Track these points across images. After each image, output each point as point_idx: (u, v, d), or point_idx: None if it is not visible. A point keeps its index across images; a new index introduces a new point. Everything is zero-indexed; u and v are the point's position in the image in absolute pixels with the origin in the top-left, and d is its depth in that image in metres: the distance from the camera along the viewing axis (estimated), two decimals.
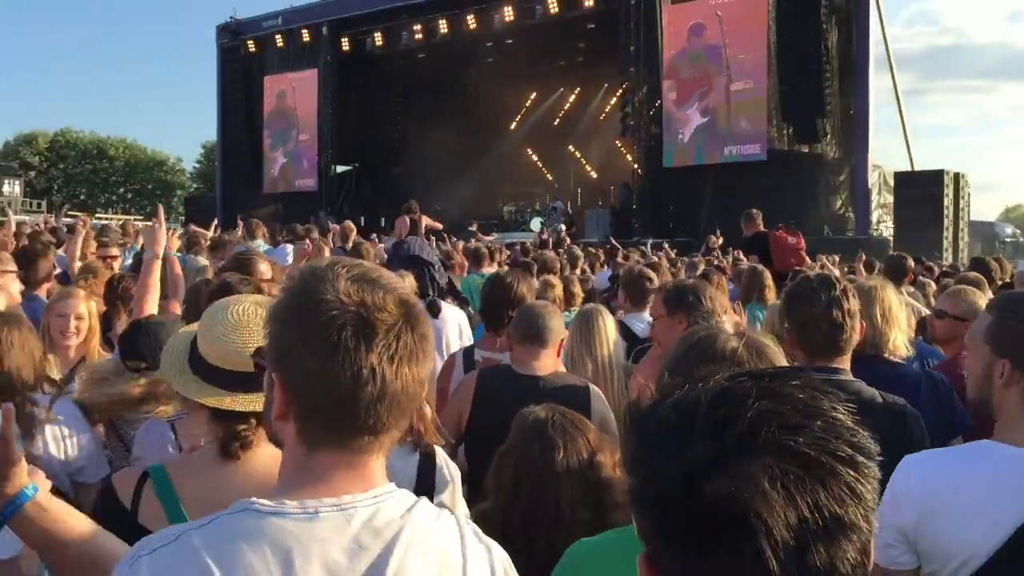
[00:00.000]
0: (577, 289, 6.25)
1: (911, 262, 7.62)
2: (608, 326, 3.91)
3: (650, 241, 13.34)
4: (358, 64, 29.02)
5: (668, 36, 21.79)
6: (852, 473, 0.78)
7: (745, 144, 20.65)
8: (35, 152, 61.03)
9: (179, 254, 5.81)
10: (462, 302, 5.70)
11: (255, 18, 31.33)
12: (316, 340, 1.15)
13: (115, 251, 7.23)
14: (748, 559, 0.75)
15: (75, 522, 1.54)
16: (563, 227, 20.26)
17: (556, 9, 23.79)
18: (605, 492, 2.20)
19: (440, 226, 10.44)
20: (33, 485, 1.52)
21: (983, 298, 4.10)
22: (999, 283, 6.67)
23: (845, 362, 2.71)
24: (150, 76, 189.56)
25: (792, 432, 0.78)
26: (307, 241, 6.79)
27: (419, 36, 26.77)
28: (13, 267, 4.65)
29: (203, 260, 7.51)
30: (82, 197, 60.42)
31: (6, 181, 41.57)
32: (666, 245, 13.36)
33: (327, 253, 5.82)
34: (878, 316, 3.20)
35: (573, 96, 32.12)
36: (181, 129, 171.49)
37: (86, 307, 3.81)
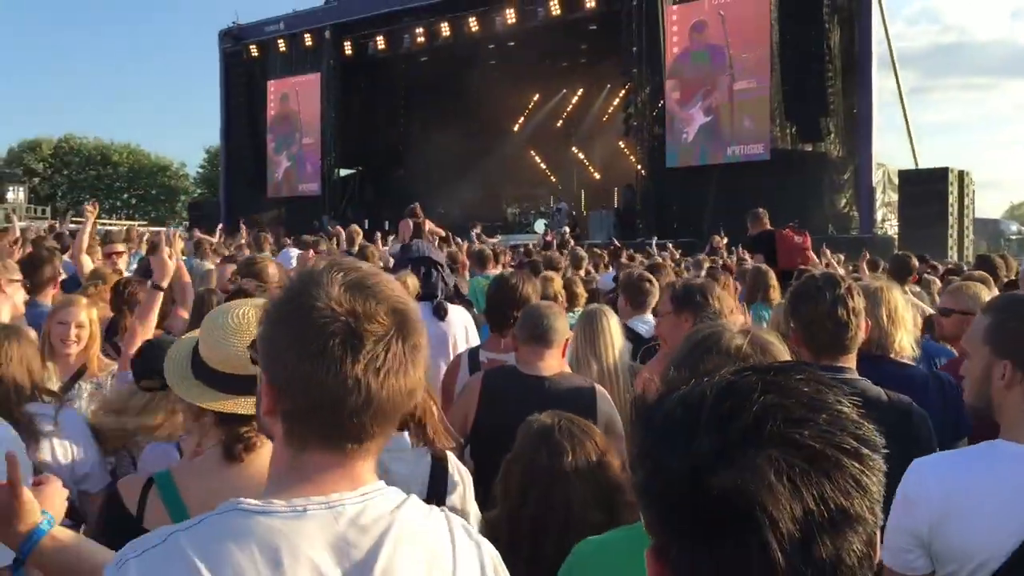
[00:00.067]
0: (580, 289, 6.24)
1: (915, 261, 7.61)
2: (613, 326, 3.91)
3: (654, 239, 13.32)
4: (361, 68, 29.09)
5: (671, 36, 21.80)
6: (857, 465, 0.78)
7: (748, 144, 20.65)
8: (39, 158, 61.22)
9: (185, 257, 5.83)
10: (466, 304, 5.70)
11: (257, 23, 31.40)
12: (304, 346, 1.15)
13: (120, 247, 7.22)
14: (754, 551, 0.75)
15: (89, 548, 1.56)
16: (567, 229, 20.26)
17: (558, 11, 23.82)
18: (616, 493, 2.20)
19: (443, 232, 10.44)
20: (48, 519, 1.55)
21: (985, 290, 4.10)
22: (1004, 280, 6.66)
23: (850, 361, 2.71)
24: (153, 81, 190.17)
25: (797, 425, 0.78)
26: (311, 251, 6.80)
27: (421, 39, 26.84)
28: (18, 275, 4.67)
29: (208, 264, 7.53)
30: (86, 203, 60.45)
31: (10, 188, 41.77)
32: (670, 245, 13.34)
33: None
34: (884, 317, 3.19)
35: (576, 97, 32.14)
36: (184, 134, 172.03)
37: (87, 315, 3.82)
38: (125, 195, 65.24)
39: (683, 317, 3.31)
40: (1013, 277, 7.05)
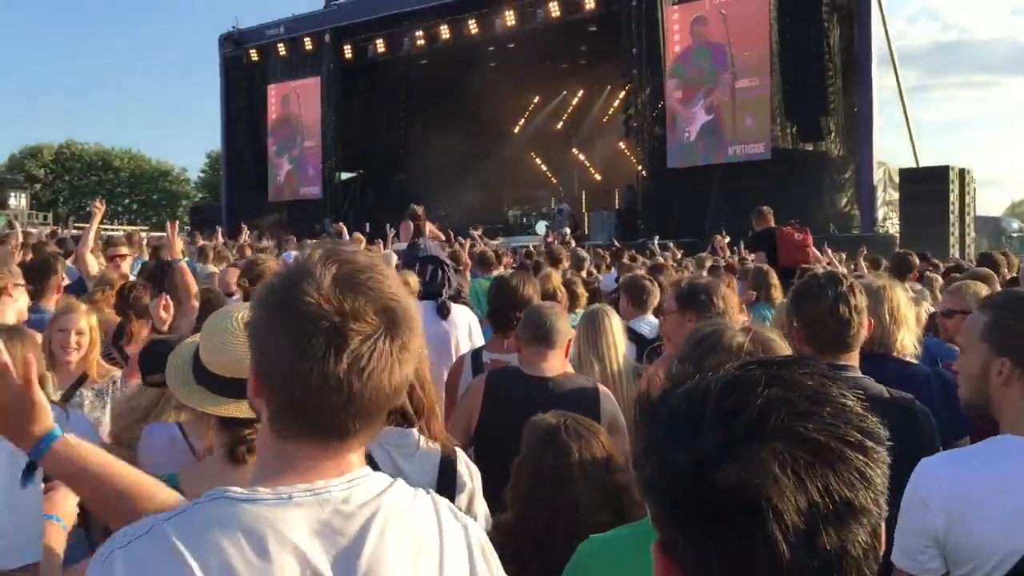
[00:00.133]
0: (581, 289, 6.25)
1: (916, 259, 7.62)
2: (615, 326, 3.92)
3: (656, 238, 13.31)
4: (361, 71, 29.13)
5: (671, 36, 21.81)
6: (861, 458, 0.79)
7: (749, 143, 20.66)
8: (40, 164, 61.27)
9: (187, 259, 5.84)
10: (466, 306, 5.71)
11: (257, 27, 31.43)
12: (288, 339, 1.15)
13: (124, 250, 7.22)
14: (759, 544, 0.76)
15: (105, 457, 1.56)
16: (567, 230, 20.26)
17: (557, 13, 23.85)
18: (623, 493, 2.20)
19: (442, 236, 10.45)
20: (60, 427, 1.55)
21: (985, 289, 4.10)
22: (1007, 278, 6.67)
23: (853, 359, 2.71)
24: (154, 86, 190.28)
25: (801, 418, 0.79)
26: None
27: (421, 42, 26.86)
28: (22, 280, 4.68)
29: (212, 268, 7.55)
30: (88, 209, 60.59)
31: (12, 194, 41.78)
32: (671, 245, 13.34)
33: None
34: (886, 315, 3.20)
35: (576, 99, 32.13)
36: (185, 139, 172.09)
37: (87, 322, 3.82)
38: (126, 200, 65.26)
39: (687, 316, 3.32)
40: (1015, 275, 7.06)
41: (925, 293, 5.45)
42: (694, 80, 21.56)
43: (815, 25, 19.82)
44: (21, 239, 8.71)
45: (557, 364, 3.36)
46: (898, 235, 19.50)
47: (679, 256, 11.73)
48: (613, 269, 10.06)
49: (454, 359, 4.41)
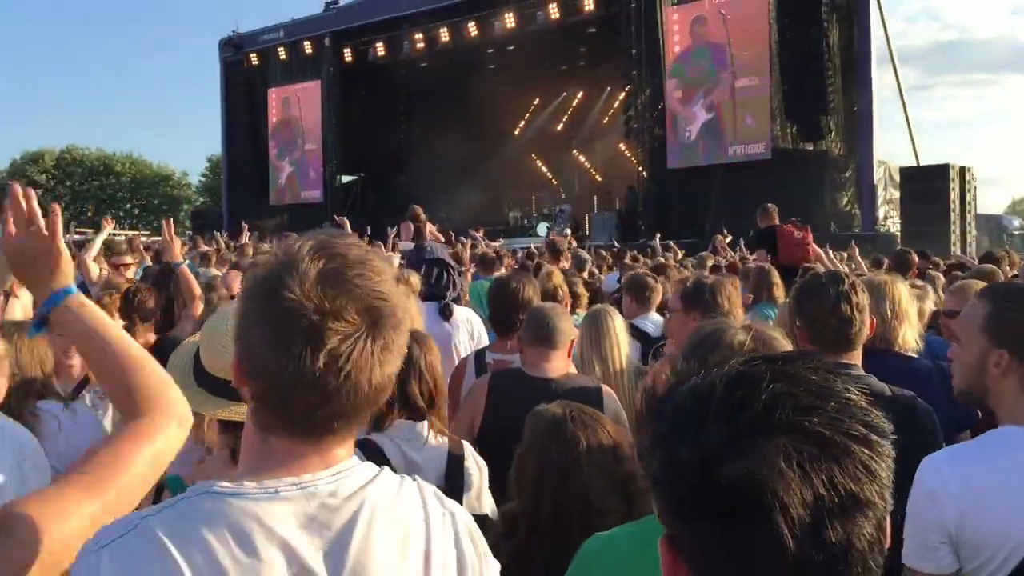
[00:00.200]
0: (581, 290, 6.25)
1: (915, 256, 7.63)
2: (618, 326, 3.92)
3: (658, 236, 13.29)
4: (361, 74, 29.14)
5: (671, 36, 21.82)
6: (866, 451, 0.79)
7: (749, 143, 20.66)
8: (42, 170, 61.30)
9: (188, 262, 5.86)
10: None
11: (257, 31, 31.48)
12: (268, 332, 1.14)
13: (128, 259, 7.24)
14: (764, 538, 0.76)
15: (108, 322, 1.58)
16: (568, 231, 20.25)
17: (557, 14, 23.87)
18: (631, 481, 2.20)
19: (442, 238, 10.45)
20: (75, 286, 1.57)
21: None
22: (1008, 276, 6.67)
23: (855, 357, 2.72)
24: (154, 91, 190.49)
25: (806, 413, 0.79)
26: None
27: (421, 45, 26.88)
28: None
29: (214, 271, 7.56)
30: (89, 214, 60.66)
31: None
32: (672, 244, 13.33)
33: None
34: (888, 311, 3.21)
35: (576, 100, 32.17)
36: (186, 143, 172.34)
37: None
38: (128, 205, 65.33)
39: (691, 315, 3.33)
40: (1016, 272, 7.05)
41: (928, 289, 5.45)
42: (694, 80, 21.56)
43: (814, 25, 19.83)
44: None
45: (560, 365, 3.36)
46: (899, 234, 19.48)
47: (680, 256, 11.72)
48: (615, 269, 10.06)
49: (455, 361, 4.42)
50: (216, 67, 32.63)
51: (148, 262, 8.52)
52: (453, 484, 2.53)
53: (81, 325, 1.54)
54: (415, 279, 4.75)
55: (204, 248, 11.09)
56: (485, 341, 4.73)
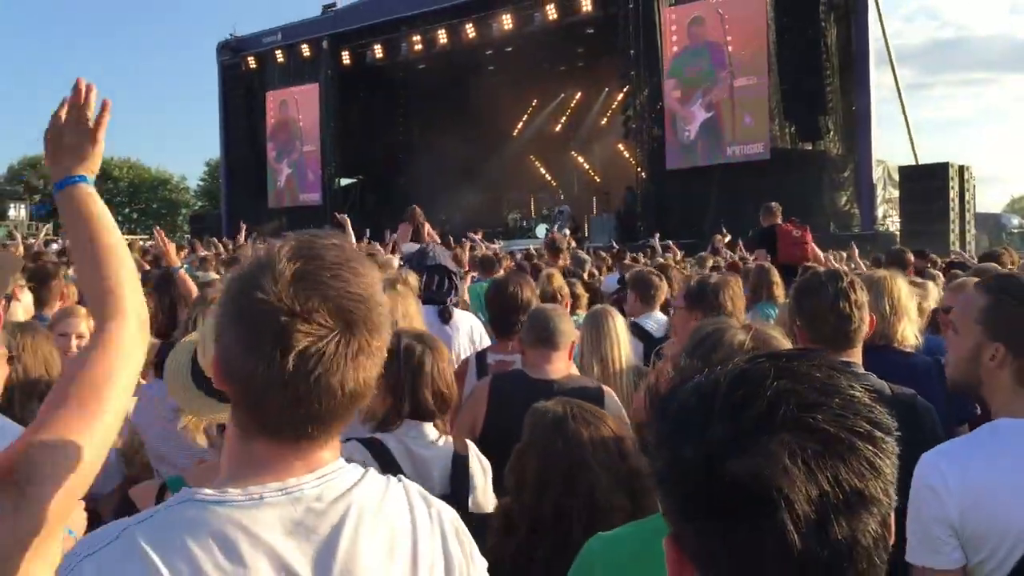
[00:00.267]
0: (580, 290, 6.25)
1: (911, 255, 7.63)
2: (618, 326, 3.92)
3: (657, 236, 13.29)
4: (359, 77, 29.16)
5: (669, 36, 21.84)
6: (871, 448, 0.79)
7: (748, 143, 20.68)
8: (40, 176, 61.24)
9: (186, 266, 5.87)
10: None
11: (255, 34, 31.50)
12: (241, 333, 1.13)
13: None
14: (769, 534, 0.76)
15: (107, 213, 1.61)
16: (567, 231, 20.24)
17: (554, 15, 23.89)
18: (636, 477, 2.20)
19: (438, 240, 10.45)
20: (92, 179, 1.62)
21: None
22: None
23: (855, 355, 2.72)
24: (152, 95, 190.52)
25: (810, 410, 0.79)
26: None
27: (419, 47, 26.90)
28: (23, 281, 4.69)
29: (213, 275, 7.56)
30: None
31: (12, 205, 41.82)
32: (671, 244, 13.34)
33: None
34: (887, 308, 3.22)
35: (574, 101, 32.19)
36: (184, 147, 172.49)
37: (87, 325, 3.81)
38: (126, 210, 65.27)
39: (694, 313, 3.33)
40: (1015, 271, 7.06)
41: (928, 286, 5.44)
42: (692, 79, 21.58)
43: (812, 25, 19.87)
44: (22, 250, 8.72)
45: (561, 366, 3.36)
46: (898, 233, 19.51)
47: (680, 257, 11.73)
48: (615, 270, 10.06)
49: (455, 363, 4.42)
50: (214, 71, 32.65)
51: (146, 267, 8.52)
52: (458, 484, 2.54)
53: (77, 213, 1.58)
54: (413, 279, 4.75)
55: (203, 252, 11.11)
56: (486, 344, 4.72)
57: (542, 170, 33.64)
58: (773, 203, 9.25)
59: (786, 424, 0.78)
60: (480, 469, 2.62)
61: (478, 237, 13.28)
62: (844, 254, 10.44)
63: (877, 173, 20.30)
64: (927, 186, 19.20)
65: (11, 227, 29.65)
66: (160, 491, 1.94)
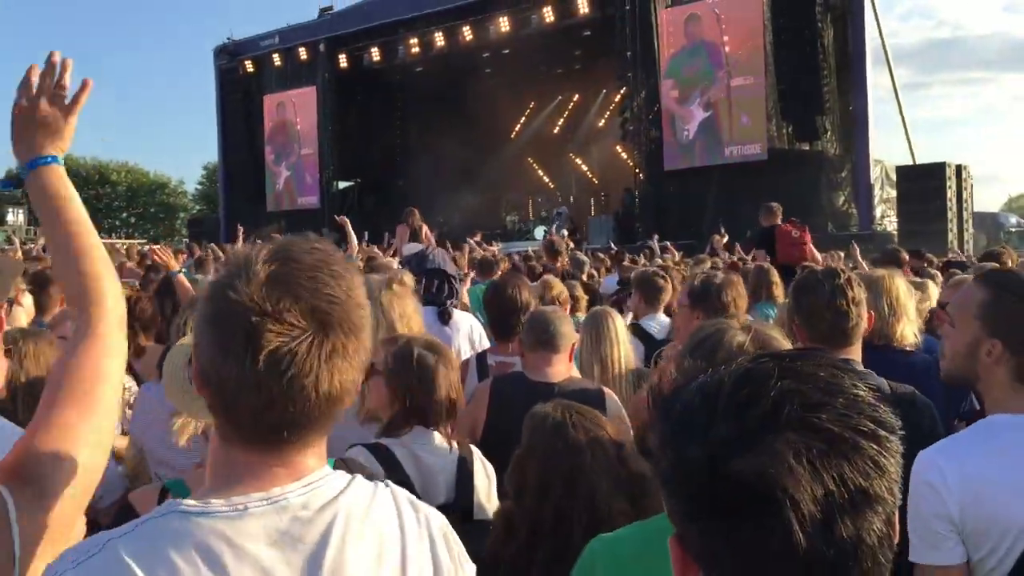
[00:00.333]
0: (579, 292, 6.24)
1: (905, 255, 7.64)
2: (618, 328, 3.91)
3: (655, 237, 13.29)
4: (356, 80, 29.17)
5: (666, 37, 21.85)
6: (875, 447, 0.79)
7: (746, 144, 20.69)
8: None
9: (184, 270, 5.88)
10: None
11: (252, 38, 31.50)
12: (215, 334, 1.12)
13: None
14: (774, 534, 0.76)
15: (78, 203, 1.62)
16: (565, 232, 20.23)
17: (551, 17, 23.89)
18: (637, 482, 2.20)
19: (434, 241, 10.46)
20: (62, 159, 1.61)
21: None
22: None
23: (854, 353, 2.72)
24: (149, 99, 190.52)
25: (815, 409, 0.79)
26: None
27: (416, 50, 26.89)
28: (23, 284, 4.70)
29: (211, 278, 7.56)
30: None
31: (10, 210, 41.70)
32: (670, 245, 13.34)
33: None
34: (885, 307, 3.22)
35: (572, 103, 32.21)
36: (182, 151, 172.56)
37: None
38: (124, 214, 65.18)
39: (696, 313, 3.33)
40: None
41: (928, 285, 5.44)
42: (690, 79, 21.59)
43: (808, 25, 19.88)
44: (20, 255, 8.71)
45: (562, 369, 3.36)
46: (896, 232, 19.50)
47: (678, 258, 11.73)
48: (613, 272, 10.06)
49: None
50: (211, 74, 32.65)
51: (140, 272, 8.52)
52: (463, 488, 2.55)
53: (51, 190, 1.56)
54: (409, 278, 4.75)
55: (199, 253, 11.09)
56: (486, 345, 4.72)
57: (540, 172, 33.65)
58: (774, 203, 9.26)
59: (791, 423, 0.78)
60: (484, 475, 2.63)
61: (477, 239, 13.27)
62: (841, 254, 10.45)
63: (874, 173, 20.32)
64: (924, 186, 19.19)
65: (9, 232, 29.61)
66: (161, 494, 1.94)
